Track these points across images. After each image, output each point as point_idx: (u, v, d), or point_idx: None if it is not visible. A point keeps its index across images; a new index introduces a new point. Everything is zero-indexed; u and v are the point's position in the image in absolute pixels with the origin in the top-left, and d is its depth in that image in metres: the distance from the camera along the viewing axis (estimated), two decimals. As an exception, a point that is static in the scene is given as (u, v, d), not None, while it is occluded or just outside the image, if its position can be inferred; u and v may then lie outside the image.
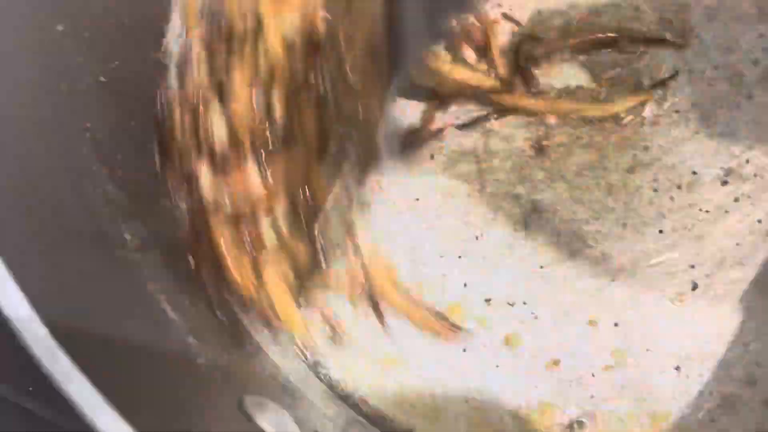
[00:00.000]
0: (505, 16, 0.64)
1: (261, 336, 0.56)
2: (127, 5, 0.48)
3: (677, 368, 0.59)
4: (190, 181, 0.51)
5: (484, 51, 0.63)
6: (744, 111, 0.61)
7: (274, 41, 0.49)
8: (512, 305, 0.61)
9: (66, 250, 0.33)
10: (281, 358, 0.57)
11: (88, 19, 0.44)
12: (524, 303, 0.61)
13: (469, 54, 0.63)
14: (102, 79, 0.45)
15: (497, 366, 0.60)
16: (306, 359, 0.59)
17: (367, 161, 0.58)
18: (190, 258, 0.50)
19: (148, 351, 0.35)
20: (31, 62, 0.38)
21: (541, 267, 0.62)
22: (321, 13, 0.50)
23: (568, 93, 0.63)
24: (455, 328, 0.60)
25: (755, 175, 0.60)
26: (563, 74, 0.63)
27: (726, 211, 0.60)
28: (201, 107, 0.51)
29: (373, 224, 0.61)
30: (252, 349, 0.53)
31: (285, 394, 0.51)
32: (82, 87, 0.42)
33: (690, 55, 0.62)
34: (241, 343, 0.52)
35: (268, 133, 0.51)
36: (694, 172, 0.61)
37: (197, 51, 0.51)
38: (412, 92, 0.62)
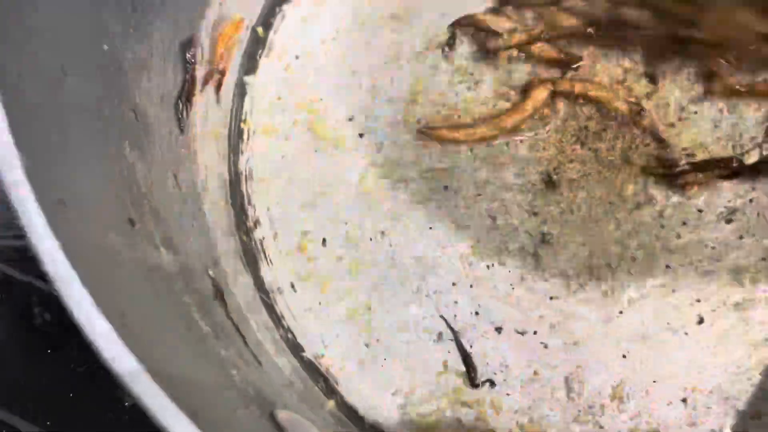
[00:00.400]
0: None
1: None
2: None
3: (684, 400, 0.60)
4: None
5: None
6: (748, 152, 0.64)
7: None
8: (522, 334, 0.63)
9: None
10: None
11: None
12: (534, 333, 0.63)
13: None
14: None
15: (507, 394, 0.61)
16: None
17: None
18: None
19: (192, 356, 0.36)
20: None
21: (551, 298, 0.63)
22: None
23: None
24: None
25: (758, 215, 0.63)
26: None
27: (730, 248, 0.62)
28: None
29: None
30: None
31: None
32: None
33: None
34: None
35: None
36: (700, 210, 0.63)
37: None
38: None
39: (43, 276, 0.64)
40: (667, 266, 0.63)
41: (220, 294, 0.52)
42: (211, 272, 0.53)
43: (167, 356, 0.28)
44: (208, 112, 0.61)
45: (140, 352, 0.26)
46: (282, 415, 0.40)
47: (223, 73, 0.63)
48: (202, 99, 0.60)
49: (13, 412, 0.62)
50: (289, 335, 0.63)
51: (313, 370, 0.62)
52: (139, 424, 0.60)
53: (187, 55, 0.57)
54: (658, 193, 0.64)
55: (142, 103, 0.46)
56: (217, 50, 0.61)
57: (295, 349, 0.62)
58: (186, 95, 0.57)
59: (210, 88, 0.62)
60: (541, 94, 0.63)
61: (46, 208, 0.28)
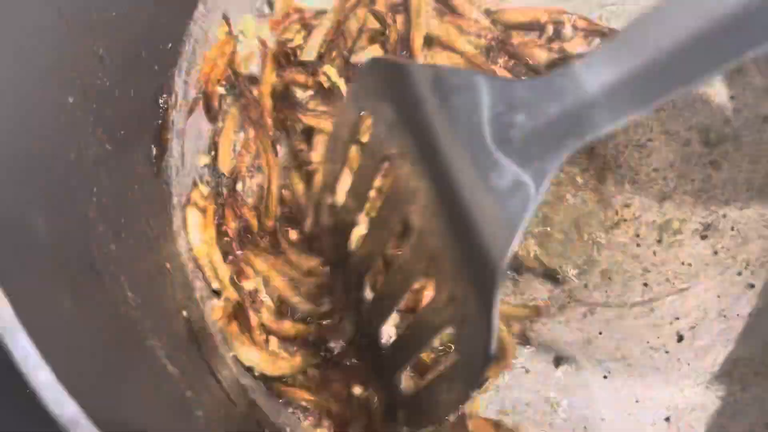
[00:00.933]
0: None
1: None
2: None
3: (667, 419, 0.60)
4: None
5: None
6: (719, 168, 0.64)
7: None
8: (502, 358, 0.63)
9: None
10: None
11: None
12: (515, 357, 0.63)
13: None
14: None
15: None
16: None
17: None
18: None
19: (148, 401, 0.37)
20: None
21: (531, 322, 0.63)
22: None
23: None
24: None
25: (732, 229, 0.63)
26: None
27: (706, 264, 0.62)
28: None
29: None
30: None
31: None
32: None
33: (665, 116, 0.66)
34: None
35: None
36: (675, 228, 0.64)
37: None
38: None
39: None
40: (645, 284, 0.63)
41: (193, 335, 0.53)
42: (185, 313, 0.54)
43: (117, 402, 0.29)
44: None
45: (83, 400, 0.27)
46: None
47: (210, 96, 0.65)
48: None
49: None
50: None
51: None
52: None
53: (160, 101, 0.59)
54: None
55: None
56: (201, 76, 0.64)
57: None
58: (159, 139, 0.58)
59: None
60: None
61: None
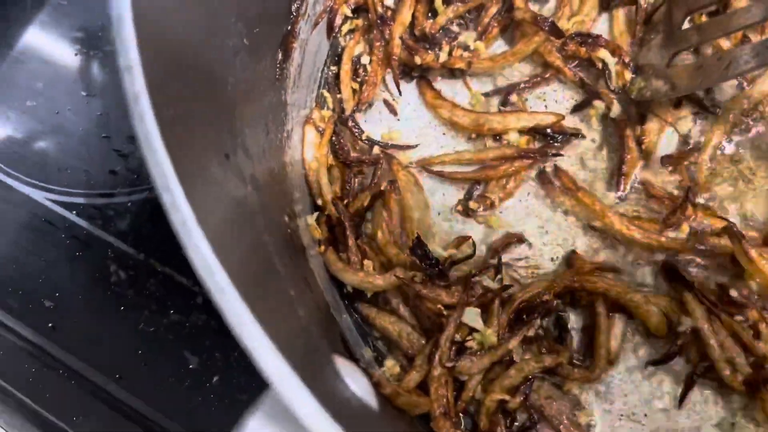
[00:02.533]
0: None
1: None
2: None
3: None
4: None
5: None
6: None
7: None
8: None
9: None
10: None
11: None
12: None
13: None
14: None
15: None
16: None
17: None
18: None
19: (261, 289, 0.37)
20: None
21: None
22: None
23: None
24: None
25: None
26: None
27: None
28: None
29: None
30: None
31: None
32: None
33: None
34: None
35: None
36: None
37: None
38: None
39: (122, 235, 0.68)
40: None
41: (292, 241, 0.54)
42: (286, 218, 0.55)
43: (245, 282, 0.29)
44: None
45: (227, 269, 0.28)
46: (339, 360, 0.41)
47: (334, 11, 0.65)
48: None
49: (85, 362, 0.66)
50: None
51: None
52: (198, 387, 0.63)
53: (293, 7, 0.58)
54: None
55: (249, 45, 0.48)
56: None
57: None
58: (285, 45, 0.58)
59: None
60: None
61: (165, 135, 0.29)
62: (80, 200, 0.72)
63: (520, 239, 0.63)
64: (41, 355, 0.66)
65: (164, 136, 0.29)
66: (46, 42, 0.78)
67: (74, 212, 0.71)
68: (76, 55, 0.77)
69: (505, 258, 0.63)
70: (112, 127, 0.74)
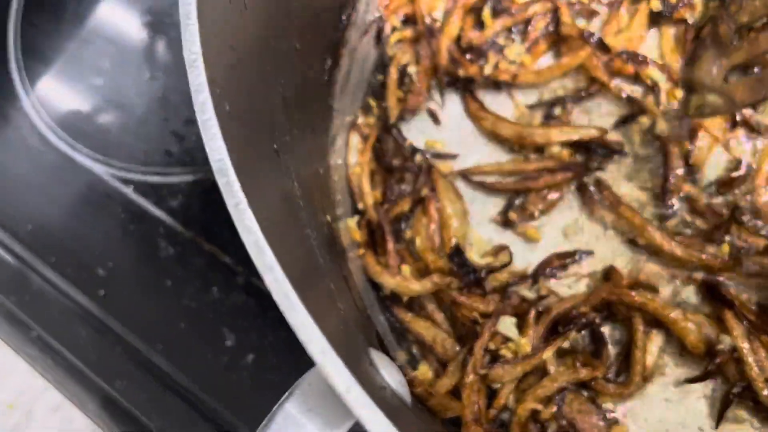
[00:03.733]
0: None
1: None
2: None
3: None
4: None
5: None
6: None
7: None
8: None
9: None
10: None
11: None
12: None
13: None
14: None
15: None
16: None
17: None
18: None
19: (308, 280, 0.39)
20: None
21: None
22: None
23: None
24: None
25: None
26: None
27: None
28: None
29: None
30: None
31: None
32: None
33: None
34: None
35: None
36: None
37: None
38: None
39: (173, 212, 0.72)
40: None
41: (335, 242, 0.55)
42: (328, 217, 0.56)
43: (290, 265, 0.31)
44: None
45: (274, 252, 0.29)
46: (375, 353, 0.42)
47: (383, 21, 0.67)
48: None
49: (130, 329, 0.69)
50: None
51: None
52: (233, 364, 0.65)
53: (343, 16, 0.61)
54: None
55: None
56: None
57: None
58: (334, 51, 0.60)
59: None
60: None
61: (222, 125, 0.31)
62: (137, 176, 0.75)
63: (586, 254, 0.64)
64: (91, 320, 0.70)
65: (222, 125, 0.31)
66: (114, 23, 0.82)
67: (131, 187, 0.75)
68: (144, 37, 0.81)
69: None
70: (171, 109, 0.77)
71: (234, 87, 0.37)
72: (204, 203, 0.72)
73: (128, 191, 0.74)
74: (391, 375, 0.41)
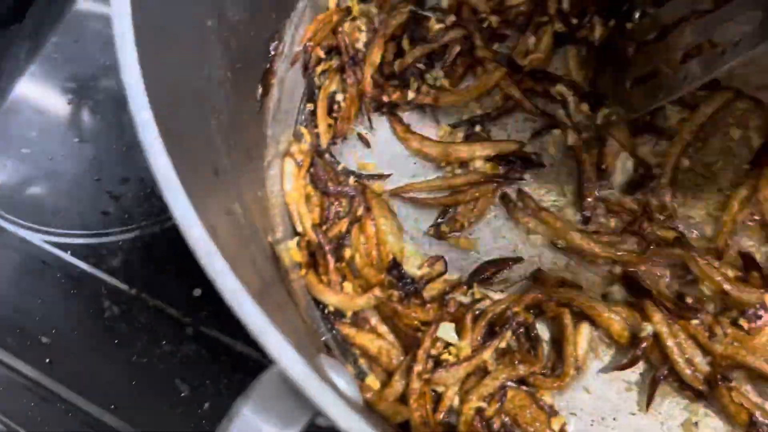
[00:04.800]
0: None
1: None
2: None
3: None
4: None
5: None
6: None
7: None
8: None
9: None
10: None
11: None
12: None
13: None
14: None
15: None
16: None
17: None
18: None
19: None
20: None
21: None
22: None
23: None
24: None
25: None
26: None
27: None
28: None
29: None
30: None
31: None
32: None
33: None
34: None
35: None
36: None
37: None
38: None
39: (115, 271, 0.72)
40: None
41: (275, 257, 0.57)
42: (269, 237, 0.58)
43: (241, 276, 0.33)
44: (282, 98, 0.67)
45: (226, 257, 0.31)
46: (324, 357, 0.44)
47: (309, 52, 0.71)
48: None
49: (81, 395, 0.69)
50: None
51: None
52: (189, 414, 0.66)
53: (271, 46, 0.64)
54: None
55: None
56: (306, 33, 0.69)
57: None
58: (264, 81, 0.63)
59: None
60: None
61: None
62: (74, 240, 0.75)
63: (515, 261, 0.68)
64: (39, 390, 0.69)
65: (166, 146, 0.33)
66: (38, 92, 0.83)
67: (68, 252, 0.75)
68: (68, 103, 0.82)
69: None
70: (103, 170, 0.78)
71: (170, 110, 0.40)
72: (145, 259, 0.73)
73: (66, 255, 0.74)
74: (341, 377, 0.43)
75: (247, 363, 0.65)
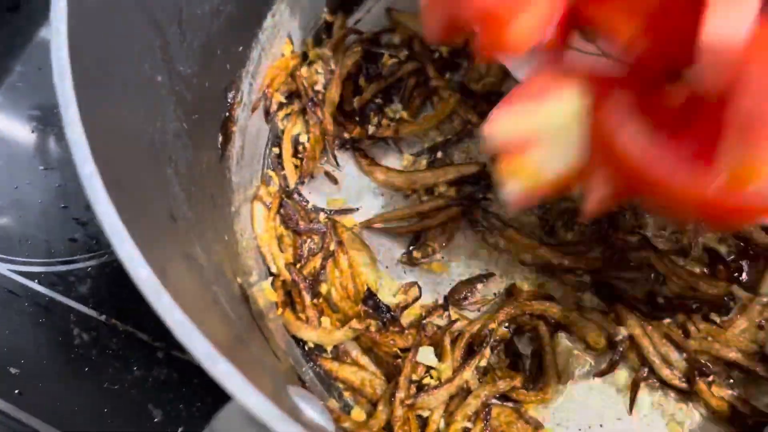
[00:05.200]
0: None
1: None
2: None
3: None
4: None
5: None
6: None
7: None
8: None
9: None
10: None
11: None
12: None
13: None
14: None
15: None
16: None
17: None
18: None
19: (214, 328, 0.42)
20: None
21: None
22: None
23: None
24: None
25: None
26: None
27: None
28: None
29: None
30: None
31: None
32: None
33: None
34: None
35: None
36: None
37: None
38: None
39: (83, 298, 0.72)
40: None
41: (245, 298, 0.58)
42: (239, 279, 0.59)
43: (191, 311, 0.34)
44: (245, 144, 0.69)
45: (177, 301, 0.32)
46: (292, 389, 0.45)
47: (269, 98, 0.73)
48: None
49: (52, 424, 0.68)
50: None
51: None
52: None
53: (228, 96, 0.66)
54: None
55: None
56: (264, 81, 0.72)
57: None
58: (225, 129, 0.65)
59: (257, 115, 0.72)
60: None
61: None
62: (41, 269, 0.75)
63: (487, 277, 0.69)
64: (8, 422, 0.68)
65: (113, 199, 0.34)
66: (2, 121, 0.84)
67: (36, 281, 0.75)
68: (32, 132, 0.83)
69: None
70: (70, 197, 0.79)
71: (120, 161, 0.41)
72: (114, 285, 0.73)
73: (33, 284, 0.74)
74: (310, 406, 0.44)
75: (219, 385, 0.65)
